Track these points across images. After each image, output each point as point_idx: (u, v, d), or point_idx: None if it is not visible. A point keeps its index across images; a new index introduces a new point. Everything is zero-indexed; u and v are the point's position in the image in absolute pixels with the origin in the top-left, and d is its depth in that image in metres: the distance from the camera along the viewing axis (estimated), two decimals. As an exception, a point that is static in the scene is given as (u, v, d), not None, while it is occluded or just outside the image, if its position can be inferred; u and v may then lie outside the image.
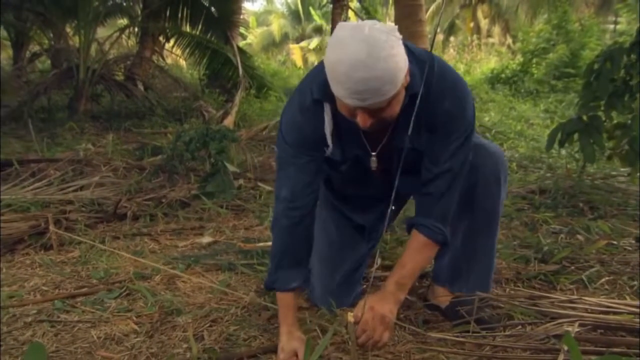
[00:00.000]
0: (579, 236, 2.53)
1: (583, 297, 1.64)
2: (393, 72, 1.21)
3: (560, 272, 2.06)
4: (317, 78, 1.42)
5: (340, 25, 1.25)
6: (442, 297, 1.77)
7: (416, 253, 1.54)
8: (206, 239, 2.73)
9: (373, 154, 1.53)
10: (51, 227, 2.63)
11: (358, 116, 1.30)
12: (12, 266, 2.35)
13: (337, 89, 1.26)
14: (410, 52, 1.34)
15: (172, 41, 8.82)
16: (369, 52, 1.18)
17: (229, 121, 6.27)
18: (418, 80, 1.34)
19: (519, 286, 2.00)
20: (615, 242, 2.40)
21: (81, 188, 3.52)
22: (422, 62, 1.39)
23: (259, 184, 3.80)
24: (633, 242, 2.41)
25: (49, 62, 10.97)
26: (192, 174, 3.89)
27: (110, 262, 2.37)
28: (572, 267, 2.12)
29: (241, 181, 3.84)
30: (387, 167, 1.56)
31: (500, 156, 1.67)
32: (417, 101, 1.32)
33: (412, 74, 1.34)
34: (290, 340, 1.51)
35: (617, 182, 3.46)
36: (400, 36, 1.27)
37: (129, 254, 2.43)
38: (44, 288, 2.08)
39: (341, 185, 1.81)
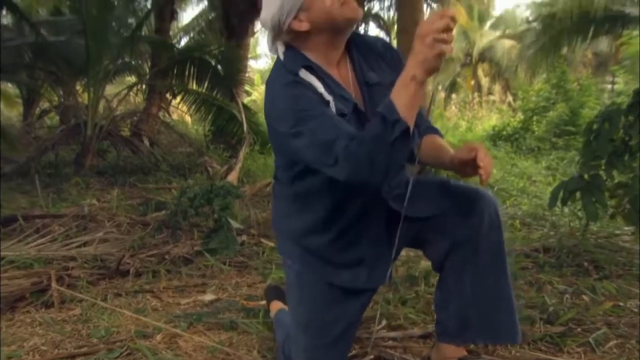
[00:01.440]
0: (584, 297, 2.50)
1: (590, 361, 1.62)
2: None
3: (566, 334, 2.03)
4: (284, 63, 1.49)
5: None
6: (450, 356, 1.68)
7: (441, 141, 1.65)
8: (209, 297, 2.71)
9: (361, 91, 1.54)
10: (53, 284, 2.62)
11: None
12: (12, 325, 2.33)
13: None
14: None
15: (178, 98, 9.04)
16: None
17: (233, 177, 6.32)
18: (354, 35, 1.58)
19: (524, 348, 1.97)
20: (621, 304, 2.37)
21: (85, 244, 3.52)
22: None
23: (262, 240, 3.80)
24: (640, 303, 2.38)
25: (57, 118, 11.20)
26: (196, 229, 3.89)
27: (111, 321, 2.35)
28: (579, 329, 2.09)
29: (244, 237, 3.84)
30: (369, 108, 1.50)
31: (491, 195, 1.62)
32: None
33: None
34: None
35: (622, 241, 3.45)
36: None
37: (130, 311, 2.41)
38: (43, 348, 2.06)
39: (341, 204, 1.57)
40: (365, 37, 1.64)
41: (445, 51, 1.25)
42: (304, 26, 1.45)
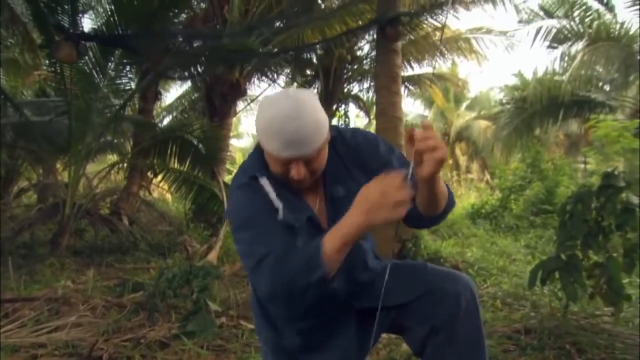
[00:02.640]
0: (568, 381, 2.47)
1: None
2: (320, 123, 1.40)
3: (552, 423, 1.98)
4: (247, 163, 1.55)
5: (266, 95, 1.42)
6: None
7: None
8: (184, 385, 2.61)
9: (314, 210, 1.54)
10: (20, 374, 2.50)
11: (292, 169, 1.42)
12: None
13: (272, 144, 1.39)
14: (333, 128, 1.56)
15: (159, 176, 9.05)
16: (297, 108, 1.36)
17: (212, 256, 6.25)
18: (336, 134, 1.57)
19: None
20: (605, 389, 2.34)
21: (56, 329, 3.39)
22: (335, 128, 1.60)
23: (242, 322, 3.72)
24: (624, 388, 2.35)
25: (35, 196, 11.09)
26: (174, 311, 3.80)
27: (79, 413, 2.23)
28: (564, 417, 2.04)
29: (223, 319, 3.75)
30: (331, 222, 1.49)
31: (467, 278, 1.62)
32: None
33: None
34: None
35: (602, 322, 3.45)
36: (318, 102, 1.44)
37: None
38: None
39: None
40: (345, 138, 1.60)
41: (395, 219, 1.31)
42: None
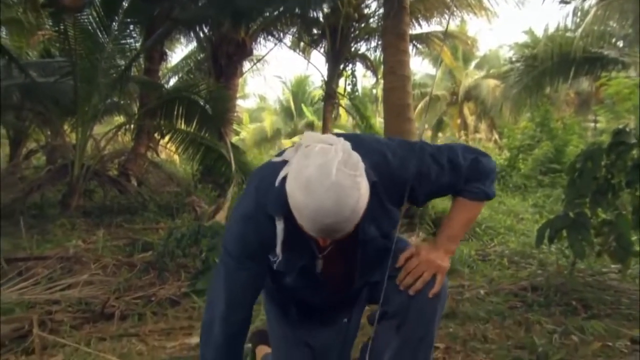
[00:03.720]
0: (573, 337, 2.49)
1: (581, 404, 1.60)
2: (358, 213, 1.21)
3: (556, 376, 2.01)
4: (270, 193, 1.34)
5: (305, 156, 1.21)
6: None
7: (462, 210, 1.53)
8: (195, 340, 2.66)
9: (320, 255, 1.43)
10: (35, 330, 2.56)
11: (320, 239, 1.30)
12: (-9, 373, 2.28)
13: (304, 224, 1.23)
14: (362, 149, 1.29)
15: (166, 137, 9.04)
16: (336, 201, 1.16)
17: (221, 216, 6.29)
18: (371, 172, 1.28)
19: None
20: (610, 344, 2.36)
21: (69, 287, 3.46)
22: (371, 148, 1.40)
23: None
24: (628, 343, 2.37)
25: (44, 158, 11.15)
26: (183, 270, 3.85)
27: (94, 367, 2.29)
28: (568, 370, 2.07)
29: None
30: (336, 270, 1.48)
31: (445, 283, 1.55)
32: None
33: (367, 175, 1.25)
34: None
35: (609, 279, 3.47)
36: (362, 166, 1.23)
37: (115, 356, 2.36)
38: (23, 396, 2.00)
39: (290, 295, 1.63)
40: (390, 174, 1.41)
41: None
42: None
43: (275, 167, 1.32)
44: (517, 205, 7.95)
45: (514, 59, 13.08)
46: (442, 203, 6.99)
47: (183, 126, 8.64)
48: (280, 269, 1.44)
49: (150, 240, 4.87)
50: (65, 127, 8.98)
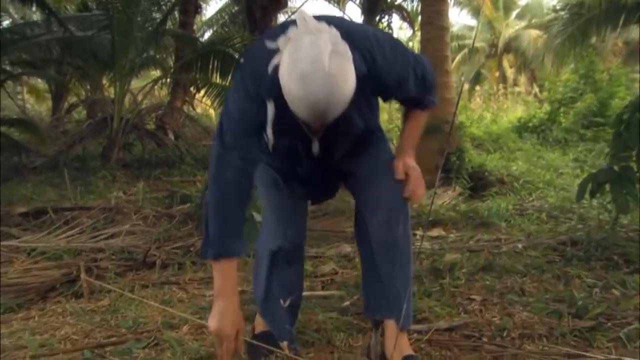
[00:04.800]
0: (614, 291, 2.45)
1: (622, 357, 1.58)
2: (348, 98, 1.33)
3: (596, 329, 1.99)
4: (257, 70, 1.45)
5: (296, 49, 1.29)
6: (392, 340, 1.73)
7: (420, 121, 1.80)
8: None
9: (314, 138, 1.58)
10: (82, 276, 2.67)
11: (313, 127, 1.46)
12: (44, 314, 2.39)
13: (296, 109, 1.34)
14: (351, 42, 1.37)
15: (202, 91, 9.08)
16: (329, 91, 1.27)
17: (256, 169, 6.35)
18: (360, 64, 1.39)
19: (552, 342, 1.94)
20: (653, 298, 2.32)
21: (112, 236, 3.58)
22: (360, 44, 1.47)
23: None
24: (671, 297, 2.32)
25: (84, 112, 11.38)
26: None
27: (138, 311, 2.38)
28: (609, 324, 2.05)
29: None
30: (325, 150, 1.63)
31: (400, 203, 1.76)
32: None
33: (355, 65, 1.35)
34: (230, 316, 1.52)
35: (653, 234, 3.37)
36: (351, 56, 1.33)
37: (157, 302, 2.44)
38: (74, 337, 2.10)
39: (278, 165, 1.78)
40: (369, 66, 1.48)
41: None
42: None
43: (268, 53, 1.40)
44: (557, 160, 7.75)
45: (558, 7, 12.48)
46: (479, 158, 6.89)
47: (218, 80, 8.64)
48: (269, 145, 1.56)
49: (188, 193, 4.96)
50: (104, 81, 9.11)
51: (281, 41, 1.36)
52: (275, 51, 1.37)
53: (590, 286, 2.54)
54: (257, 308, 1.98)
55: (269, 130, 1.47)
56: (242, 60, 1.62)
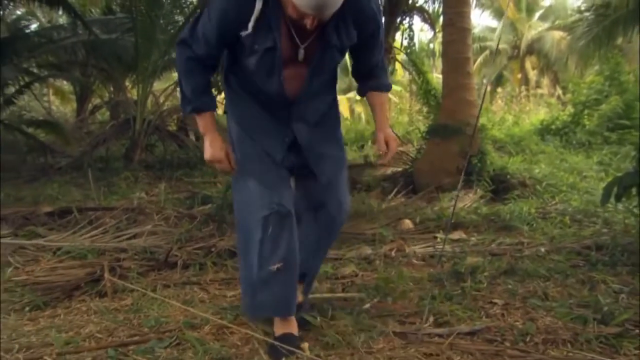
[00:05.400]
0: (641, 297, 2.41)
1: (649, 364, 1.55)
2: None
3: (622, 336, 1.96)
4: None
5: None
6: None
7: (386, 100, 2.12)
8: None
9: (302, 45, 1.77)
10: (106, 275, 2.71)
11: (308, 20, 1.60)
12: (69, 312, 2.43)
13: (302, 3, 1.55)
14: None
15: (223, 93, 9.12)
16: None
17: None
18: None
19: (577, 348, 1.91)
20: (681, 304, 2.27)
21: (134, 236, 3.62)
22: None
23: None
24: (700, 304, 2.27)
25: (108, 113, 11.55)
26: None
27: (161, 311, 2.41)
28: (636, 331, 2.01)
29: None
30: (306, 62, 1.81)
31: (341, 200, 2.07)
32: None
33: None
34: (217, 144, 1.90)
35: (680, 240, 3.30)
36: None
37: (179, 302, 2.46)
38: (99, 335, 2.13)
39: (249, 89, 1.95)
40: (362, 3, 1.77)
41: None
42: None
43: None
44: (581, 163, 7.62)
45: (583, 8, 12.31)
46: (500, 160, 6.82)
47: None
48: (247, 43, 1.73)
49: (209, 194, 5.00)
50: (127, 83, 9.24)
51: None
52: None
53: (616, 292, 2.49)
54: (251, 288, 1.96)
55: (251, 24, 1.66)
56: None
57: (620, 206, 4.08)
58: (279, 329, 1.97)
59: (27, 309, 2.47)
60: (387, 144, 1.99)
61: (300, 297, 2.09)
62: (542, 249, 3.27)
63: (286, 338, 1.88)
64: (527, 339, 2.01)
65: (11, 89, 8.64)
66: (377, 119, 2.04)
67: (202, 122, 1.93)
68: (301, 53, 1.78)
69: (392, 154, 2.00)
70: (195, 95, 1.89)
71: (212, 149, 1.91)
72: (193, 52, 1.82)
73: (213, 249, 3.38)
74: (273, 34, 1.71)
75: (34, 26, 12.05)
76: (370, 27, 1.82)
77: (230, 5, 1.69)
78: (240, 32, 1.70)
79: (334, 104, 2.05)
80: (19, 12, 11.97)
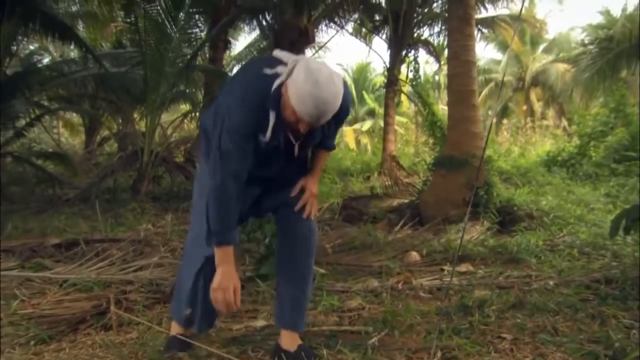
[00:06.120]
0: (653, 332, 2.37)
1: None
2: (337, 109, 1.83)
3: (635, 373, 1.93)
4: (261, 90, 1.87)
5: (311, 63, 1.80)
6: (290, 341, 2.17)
7: (325, 158, 2.30)
8: (260, 323, 2.71)
9: (296, 143, 2.01)
10: (112, 308, 2.70)
11: (303, 125, 1.83)
12: (74, 346, 2.41)
13: (301, 110, 1.77)
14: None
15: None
16: (335, 97, 1.79)
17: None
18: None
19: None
20: (693, 340, 2.23)
21: (141, 268, 3.61)
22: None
23: (314, 267, 3.79)
24: None
25: (116, 145, 11.67)
26: (247, 255, 3.93)
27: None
28: (648, 367, 1.98)
29: (295, 264, 3.85)
30: (291, 154, 2.05)
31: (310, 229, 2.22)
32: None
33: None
34: (229, 279, 1.96)
35: (691, 273, 3.26)
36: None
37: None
38: (103, 370, 2.11)
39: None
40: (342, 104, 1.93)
41: None
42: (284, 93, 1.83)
43: (269, 77, 1.86)
44: (588, 195, 7.60)
45: (586, 42, 12.46)
46: (507, 192, 6.81)
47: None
48: (262, 145, 1.95)
49: (215, 226, 4.99)
50: (135, 115, 9.36)
51: (280, 68, 1.86)
52: (274, 76, 1.86)
53: (627, 327, 2.46)
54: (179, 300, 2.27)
55: (269, 133, 1.89)
56: (240, 83, 1.97)
57: (629, 239, 4.06)
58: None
59: (32, 342, 2.45)
60: (303, 189, 2.17)
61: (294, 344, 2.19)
62: (551, 282, 3.23)
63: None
64: (537, 376, 1.98)
65: (22, 122, 8.78)
66: (312, 171, 2.24)
67: (223, 254, 1.99)
68: (296, 150, 2.03)
69: (303, 202, 2.16)
70: (224, 228, 1.97)
71: (223, 278, 1.97)
72: (231, 177, 1.94)
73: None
74: (279, 135, 1.95)
75: (46, 60, 12.31)
76: (343, 117, 2.06)
77: (251, 115, 1.89)
78: (259, 138, 1.93)
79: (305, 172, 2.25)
80: (32, 47, 12.25)
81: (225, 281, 1.96)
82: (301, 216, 2.17)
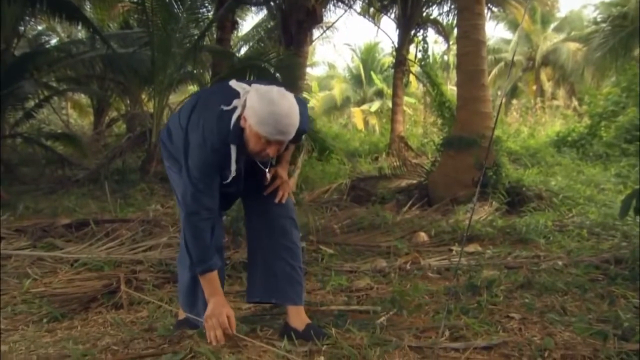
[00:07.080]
0: (662, 312, 2.37)
1: (671, 381, 1.52)
2: (297, 125, 1.92)
3: (643, 352, 1.92)
4: (222, 128, 1.96)
5: (262, 93, 1.87)
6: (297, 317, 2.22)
7: (288, 152, 2.34)
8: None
9: (267, 169, 2.16)
10: (123, 287, 2.73)
11: (271, 148, 1.93)
12: (86, 324, 2.45)
13: (266, 130, 1.86)
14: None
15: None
16: (291, 109, 1.88)
17: (291, 183, 6.38)
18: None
19: (597, 364, 1.88)
20: (703, 320, 2.22)
21: (150, 248, 3.64)
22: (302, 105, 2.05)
23: (321, 246, 3.81)
24: None
25: (124, 126, 11.69)
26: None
27: (176, 323, 2.41)
28: (657, 347, 1.97)
29: (303, 244, 3.85)
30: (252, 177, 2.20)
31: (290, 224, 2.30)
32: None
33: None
34: (221, 307, 2.06)
35: (701, 253, 3.24)
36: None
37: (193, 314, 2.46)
38: (115, 347, 2.14)
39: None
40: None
41: None
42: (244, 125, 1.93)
43: (226, 113, 1.96)
44: (598, 175, 7.55)
45: (599, 20, 12.24)
46: (516, 172, 6.78)
47: (254, 94, 8.73)
48: (227, 177, 2.04)
49: (224, 206, 5.01)
50: (143, 96, 9.35)
51: (236, 101, 1.95)
52: (231, 111, 1.96)
53: (636, 307, 2.45)
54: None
55: (233, 166, 2.01)
56: (200, 125, 2.01)
57: (639, 219, 4.02)
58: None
59: (45, 320, 2.49)
60: (273, 177, 2.24)
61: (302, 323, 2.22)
62: (560, 263, 3.23)
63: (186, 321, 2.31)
64: (546, 355, 1.98)
65: (31, 103, 8.80)
66: (280, 160, 2.32)
67: (209, 284, 2.10)
68: (268, 176, 2.19)
69: (273, 188, 2.24)
70: (205, 257, 2.06)
71: (215, 306, 2.07)
72: (204, 210, 2.04)
73: (228, 262, 3.38)
74: (239, 166, 2.05)
75: (54, 41, 12.29)
76: (304, 129, 2.14)
77: (212, 157, 1.98)
78: (223, 171, 2.04)
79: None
80: (39, 28, 12.22)
81: (218, 309, 2.06)
82: (273, 199, 2.25)
